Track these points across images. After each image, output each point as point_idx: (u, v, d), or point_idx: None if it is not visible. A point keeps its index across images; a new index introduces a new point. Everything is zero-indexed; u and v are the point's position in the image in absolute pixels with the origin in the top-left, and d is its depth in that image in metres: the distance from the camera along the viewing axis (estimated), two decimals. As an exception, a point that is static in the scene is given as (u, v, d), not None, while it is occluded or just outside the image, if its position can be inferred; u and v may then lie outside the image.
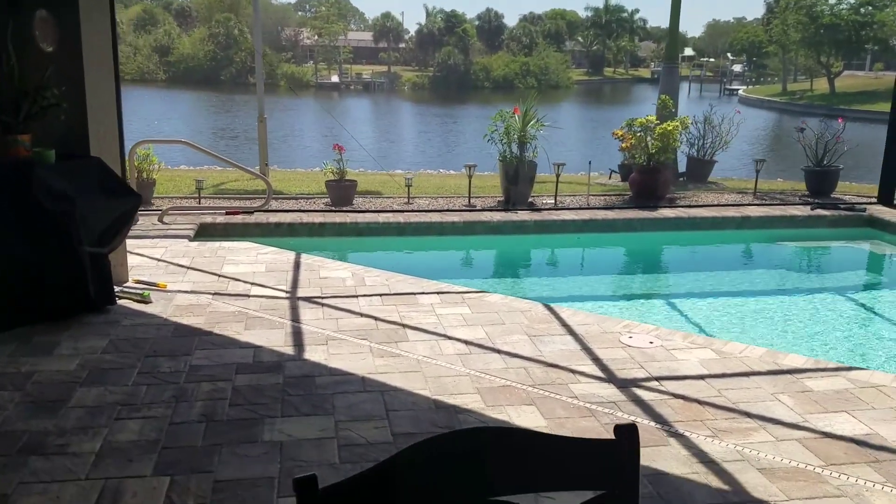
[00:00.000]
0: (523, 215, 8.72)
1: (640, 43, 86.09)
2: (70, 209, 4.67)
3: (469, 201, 9.31)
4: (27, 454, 3.36)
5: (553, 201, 9.45)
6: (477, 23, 75.87)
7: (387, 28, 74.32)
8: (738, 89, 60.92)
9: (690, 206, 9.36)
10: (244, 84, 55.00)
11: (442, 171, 13.48)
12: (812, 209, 9.25)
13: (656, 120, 9.78)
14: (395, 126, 37.40)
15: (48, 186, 4.69)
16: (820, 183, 10.26)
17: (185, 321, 5.08)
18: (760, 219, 8.92)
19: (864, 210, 9.21)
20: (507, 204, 9.20)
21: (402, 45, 75.54)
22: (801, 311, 6.87)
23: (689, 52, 77.20)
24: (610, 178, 12.46)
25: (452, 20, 71.60)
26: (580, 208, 9.20)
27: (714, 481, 3.32)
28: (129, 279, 5.84)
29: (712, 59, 78.80)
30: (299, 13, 79.32)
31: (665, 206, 9.30)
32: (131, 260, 6.28)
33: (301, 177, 11.93)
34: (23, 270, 4.75)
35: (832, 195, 10.23)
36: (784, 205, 9.62)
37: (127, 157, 7.52)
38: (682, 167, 12.20)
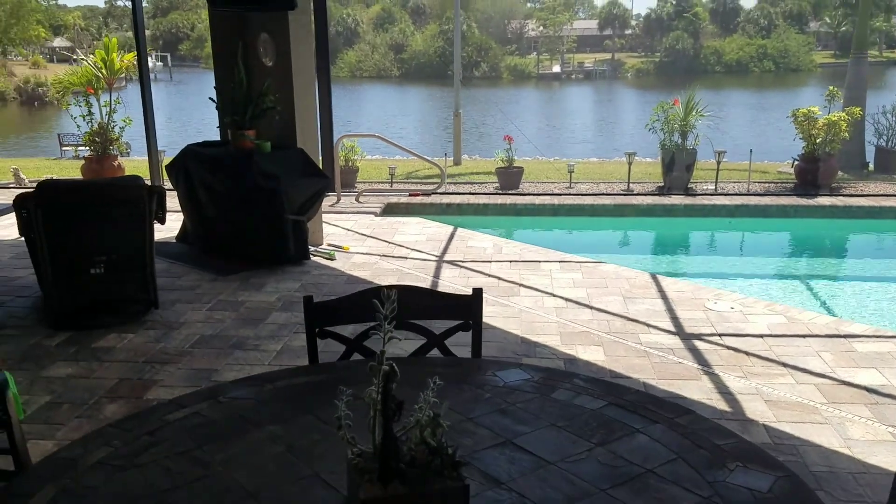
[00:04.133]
0: (675, 199, 9.40)
1: (897, 21, 77.78)
2: (277, 186, 6.35)
3: (628, 186, 10.12)
4: (234, 349, 4.98)
5: (714, 187, 9.97)
6: (711, 6, 73.07)
7: (613, 15, 73.99)
8: None
9: (850, 196, 9.45)
10: (469, 78, 57.56)
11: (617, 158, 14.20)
12: None
13: (818, 112, 9.91)
14: (613, 113, 37.79)
15: (263, 170, 6.40)
16: None
17: (355, 274, 6.60)
18: (923, 209, 8.86)
19: None
20: (664, 189, 9.89)
21: (627, 32, 74.79)
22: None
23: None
24: (792, 166, 12.47)
25: (683, 4, 69.65)
26: (736, 194, 9.66)
27: (721, 405, 4.14)
28: (324, 242, 7.51)
29: None
30: (528, 4, 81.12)
31: (825, 195, 9.48)
32: (327, 229, 7.99)
33: (490, 164, 13.30)
34: (243, 232, 6.53)
35: None
36: (958, 195, 9.38)
37: (335, 148, 9.36)
38: (869, 157, 11.99)
